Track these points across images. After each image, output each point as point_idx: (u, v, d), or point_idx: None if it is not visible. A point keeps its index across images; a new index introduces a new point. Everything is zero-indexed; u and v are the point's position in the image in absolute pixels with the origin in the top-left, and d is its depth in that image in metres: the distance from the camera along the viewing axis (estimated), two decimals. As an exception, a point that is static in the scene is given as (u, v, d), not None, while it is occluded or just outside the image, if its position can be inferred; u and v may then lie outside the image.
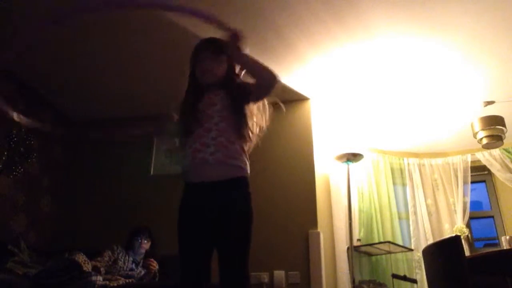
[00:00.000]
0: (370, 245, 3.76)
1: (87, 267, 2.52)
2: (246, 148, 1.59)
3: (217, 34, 1.56)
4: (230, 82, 1.63)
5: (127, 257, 2.88)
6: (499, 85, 3.48)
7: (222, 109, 1.57)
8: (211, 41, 1.67)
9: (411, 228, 4.22)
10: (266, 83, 1.53)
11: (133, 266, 2.89)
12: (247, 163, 1.57)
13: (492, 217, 4.38)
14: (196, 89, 1.65)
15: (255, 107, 1.63)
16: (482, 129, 3.58)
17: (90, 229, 3.49)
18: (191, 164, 1.52)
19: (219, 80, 1.64)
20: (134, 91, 3.65)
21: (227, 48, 1.52)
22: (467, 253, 3.75)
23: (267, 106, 1.67)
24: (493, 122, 3.55)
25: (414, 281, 3.73)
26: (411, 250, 3.99)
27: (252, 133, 1.60)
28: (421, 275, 3.83)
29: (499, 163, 4.25)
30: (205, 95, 1.61)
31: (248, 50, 1.48)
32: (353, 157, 3.65)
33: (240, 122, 1.56)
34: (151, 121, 1.89)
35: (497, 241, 4.18)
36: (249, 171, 1.57)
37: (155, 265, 2.89)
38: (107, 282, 2.55)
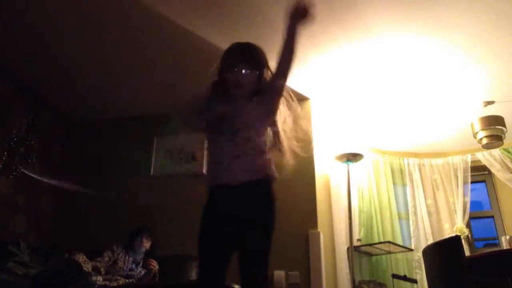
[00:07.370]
0: (370, 245, 3.76)
1: (87, 267, 2.52)
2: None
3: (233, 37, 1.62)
4: (258, 92, 1.67)
5: (127, 257, 2.88)
6: (499, 85, 3.47)
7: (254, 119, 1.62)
8: (247, 52, 1.66)
9: (411, 228, 4.21)
10: (288, 62, 1.70)
11: (133, 266, 2.89)
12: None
13: (492, 217, 4.38)
14: (224, 93, 1.63)
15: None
16: (482, 129, 3.58)
17: (90, 229, 3.48)
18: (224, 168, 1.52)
19: (248, 91, 1.65)
20: (134, 91, 3.64)
21: (294, 13, 1.58)
22: (467, 253, 3.75)
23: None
24: (493, 122, 3.55)
25: (414, 281, 3.73)
26: (411, 250, 3.99)
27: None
28: (421, 275, 3.83)
29: (499, 163, 4.25)
30: (235, 101, 1.62)
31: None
32: (353, 157, 3.65)
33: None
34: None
35: (497, 241, 4.18)
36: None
37: (155, 265, 2.89)
38: (107, 283, 2.55)
